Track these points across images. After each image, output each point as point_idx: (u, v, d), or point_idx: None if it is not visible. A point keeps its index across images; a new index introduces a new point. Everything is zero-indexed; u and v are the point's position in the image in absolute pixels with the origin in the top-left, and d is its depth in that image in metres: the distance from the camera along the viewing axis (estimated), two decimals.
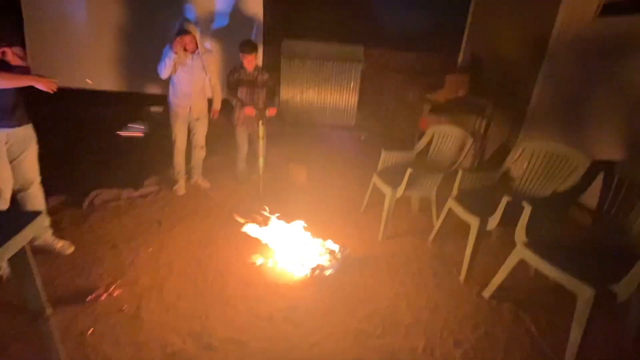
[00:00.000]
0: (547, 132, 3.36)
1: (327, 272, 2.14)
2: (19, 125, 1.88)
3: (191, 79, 2.89)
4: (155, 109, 4.50)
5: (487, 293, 2.02)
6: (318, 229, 2.49)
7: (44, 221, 1.25)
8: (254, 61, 3.11)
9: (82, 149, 3.81)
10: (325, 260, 2.23)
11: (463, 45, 5.10)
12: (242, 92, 3.17)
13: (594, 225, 2.05)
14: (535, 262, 1.74)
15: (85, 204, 2.74)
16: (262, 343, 1.64)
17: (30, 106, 1.94)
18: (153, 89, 4.44)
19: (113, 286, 1.89)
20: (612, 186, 1.90)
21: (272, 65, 4.53)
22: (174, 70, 2.83)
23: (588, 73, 2.97)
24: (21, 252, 1.14)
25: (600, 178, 1.96)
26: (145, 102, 4.48)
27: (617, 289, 1.47)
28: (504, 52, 4.09)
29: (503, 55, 4.11)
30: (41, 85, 1.77)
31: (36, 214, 1.19)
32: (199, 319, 1.74)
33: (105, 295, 1.82)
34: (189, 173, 3.26)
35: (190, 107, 2.96)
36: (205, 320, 1.74)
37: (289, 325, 1.75)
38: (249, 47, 3.02)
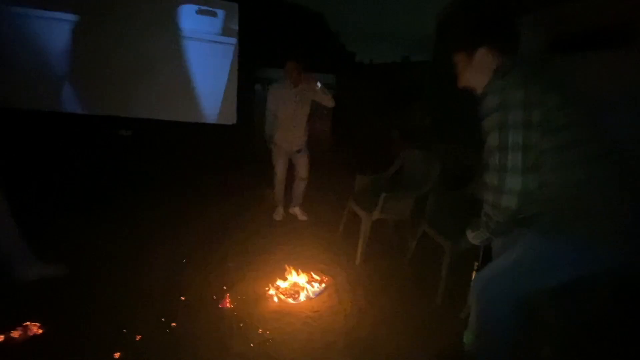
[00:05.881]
0: None
1: (304, 301, 2.07)
2: None
3: (294, 113, 2.97)
4: (124, 132, 4.34)
5: (464, 314, 2.04)
6: (294, 257, 2.44)
7: None
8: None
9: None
10: (302, 289, 2.16)
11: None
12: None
13: None
14: None
15: None
16: None
17: None
18: (121, 111, 4.29)
19: None
20: None
21: (245, 90, 4.58)
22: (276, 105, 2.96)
23: None
24: None
25: None
26: (112, 125, 4.31)
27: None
28: None
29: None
30: None
31: None
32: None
33: None
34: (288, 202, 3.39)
35: (290, 141, 3.06)
36: None
37: None
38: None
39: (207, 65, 4.55)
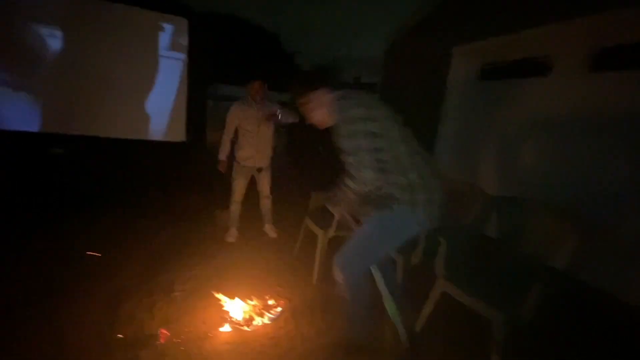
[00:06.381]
0: (452, 170, 3.85)
1: (259, 327, 1.97)
2: None
3: (258, 129, 2.90)
4: (55, 150, 3.92)
5: (418, 326, 2.08)
6: (248, 281, 2.33)
7: None
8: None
9: None
10: (256, 315, 2.06)
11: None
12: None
13: (499, 252, 2.33)
14: (456, 293, 1.87)
15: None
16: None
17: None
18: (56, 128, 3.87)
19: None
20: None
21: (198, 108, 4.43)
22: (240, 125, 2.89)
23: (480, 121, 3.57)
24: None
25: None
26: (45, 143, 3.87)
27: (521, 311, 1.64)
28: (411, 103, 4.68)
29: (410, 106, 4.68)
30: None
31: None
32: None
33: None
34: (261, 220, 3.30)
35: (256, 159, 2.96)
36: None
37: None
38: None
39: (154, 81, 4.34)
